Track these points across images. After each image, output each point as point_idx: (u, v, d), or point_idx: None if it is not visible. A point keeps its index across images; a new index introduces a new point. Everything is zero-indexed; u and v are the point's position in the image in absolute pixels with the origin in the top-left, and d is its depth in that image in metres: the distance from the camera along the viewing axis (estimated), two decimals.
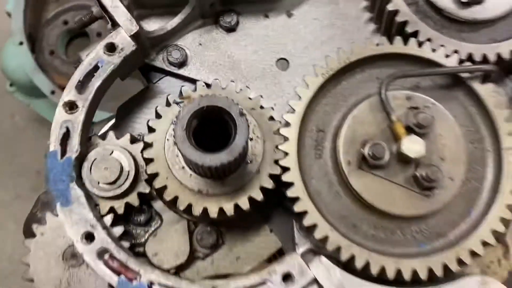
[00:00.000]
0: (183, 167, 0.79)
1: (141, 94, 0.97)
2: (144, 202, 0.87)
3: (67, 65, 2.08)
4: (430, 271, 0.79)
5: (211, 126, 0.72)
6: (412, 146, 0.79)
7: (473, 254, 0.80)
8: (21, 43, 2.02)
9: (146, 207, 0.89)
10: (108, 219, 0.82)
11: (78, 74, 0.81)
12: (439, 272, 0.79)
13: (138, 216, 0.88)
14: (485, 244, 0.80)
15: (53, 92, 1.97)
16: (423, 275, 0.78)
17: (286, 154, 0.81)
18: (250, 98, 0.83)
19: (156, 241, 0.87)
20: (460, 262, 0.79)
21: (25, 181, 3.16)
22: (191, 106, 0.67)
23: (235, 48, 0.98)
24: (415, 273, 0.78)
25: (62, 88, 1.36)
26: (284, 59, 0.98)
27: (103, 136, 0.85)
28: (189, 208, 0.79)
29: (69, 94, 0.80)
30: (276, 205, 0.92)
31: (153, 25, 0.95)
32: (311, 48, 0.98)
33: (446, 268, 0.79)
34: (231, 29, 0.98)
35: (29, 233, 0.86)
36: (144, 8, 0.95)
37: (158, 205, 0.89)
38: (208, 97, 0.68)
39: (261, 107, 0.83)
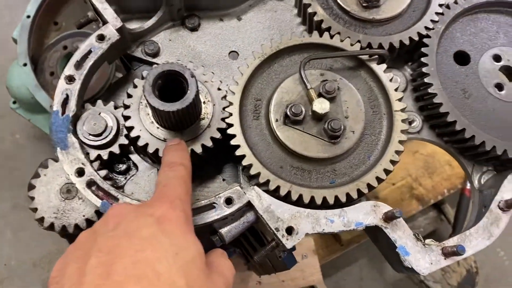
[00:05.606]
0: (152, 122, 1.06)
1: (124, 77, 1.25)
2: (124, 154, 1.13)
3: None
4: (336, 198, 1.05)
5: (172, 87, 0.99)
6: (320, 105, 1.06)
7: (369, 186, 1.05)
8: (25, 65, 2.16)
9: (126, 159, 1.15)
10: (95, 164, 1.08)
11: (77, 56, 1.09)
12: (343, 199, 1.05)
13: (119, 166, 1.15)
14: (378, 179, 1.06)
15: (51, 107, 2.19)
16: (331, 200, 1.04)
17: (230, 114, 1.08)
18: (204, 74, 1.11)
19: (133, 184, 1.13)
20: (359, 192, 1.05)
21: (23, 192, 3.34)
22: (156, 69, 0.95)
23: (197, 43, 1.25)
24: (324, 199, 1.04)
25: None
26: (235, 51, 1.26)
27: (94, 104, 1.13)
28: (156, 152, 1.05)
29: (69, 70, 1.08)
30: (227, 160, 1.19)
31: (134, 26, 1.22)
32: (255, 43, 1.26)
33: (348, 195, 1.05)
34: (194, 29, 1.26)
35: (31, 187, 1.11)
36: (128, 13, 1.23)
37: (135, 157, 1.15)
38: (169, 64, 0.95)
39: (212, 80, 1.11)
